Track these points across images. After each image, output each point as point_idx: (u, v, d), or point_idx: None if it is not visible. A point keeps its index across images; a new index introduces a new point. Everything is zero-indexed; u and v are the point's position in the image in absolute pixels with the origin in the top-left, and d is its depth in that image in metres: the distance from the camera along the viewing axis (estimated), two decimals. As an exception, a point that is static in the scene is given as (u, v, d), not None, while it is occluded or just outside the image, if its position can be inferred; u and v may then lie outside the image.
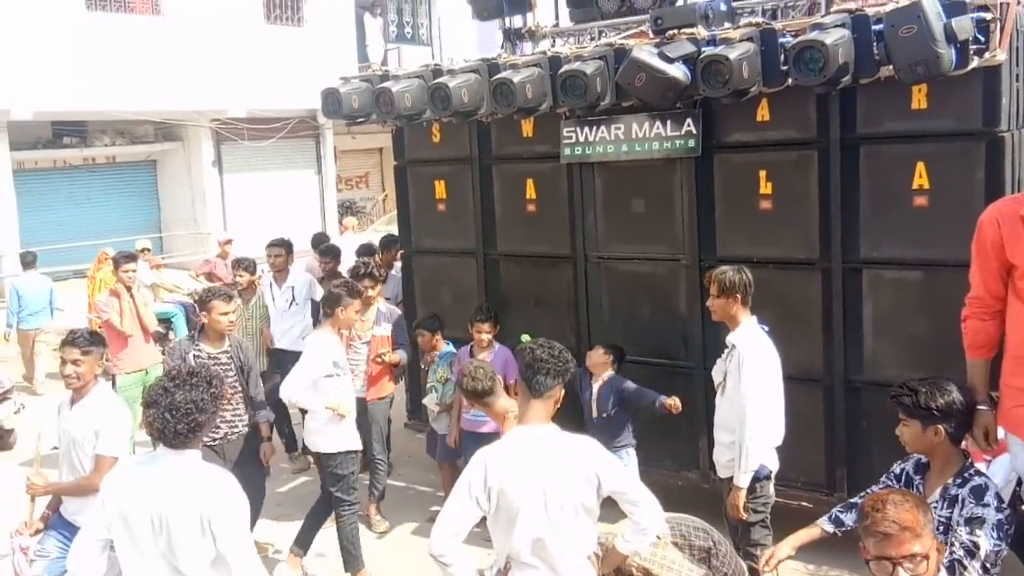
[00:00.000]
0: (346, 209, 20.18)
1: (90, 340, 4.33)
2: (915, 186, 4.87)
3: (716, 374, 4.67)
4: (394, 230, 8.27)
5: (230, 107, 16.69)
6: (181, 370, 3.22)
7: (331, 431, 5.32)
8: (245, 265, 7.76)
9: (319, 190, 19.18)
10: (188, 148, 17.34)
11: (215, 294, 5.45)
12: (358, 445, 5.48)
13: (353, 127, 7.97)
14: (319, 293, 7.42)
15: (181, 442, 3.07)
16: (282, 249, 7.72)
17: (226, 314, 5.35)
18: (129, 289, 7.51)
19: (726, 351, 4.56)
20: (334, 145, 19.25)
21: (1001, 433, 3.62)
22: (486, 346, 5.95)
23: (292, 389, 5.25)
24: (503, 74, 5.48)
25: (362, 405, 6.06)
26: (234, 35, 16.44)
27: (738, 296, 4.44)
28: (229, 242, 11.37)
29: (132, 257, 7.89)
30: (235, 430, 5.38)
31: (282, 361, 7.10)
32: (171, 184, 17.69)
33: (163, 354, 7.30)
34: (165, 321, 9.91)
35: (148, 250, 11.36)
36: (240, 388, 5.40)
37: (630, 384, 5.48)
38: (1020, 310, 3.48)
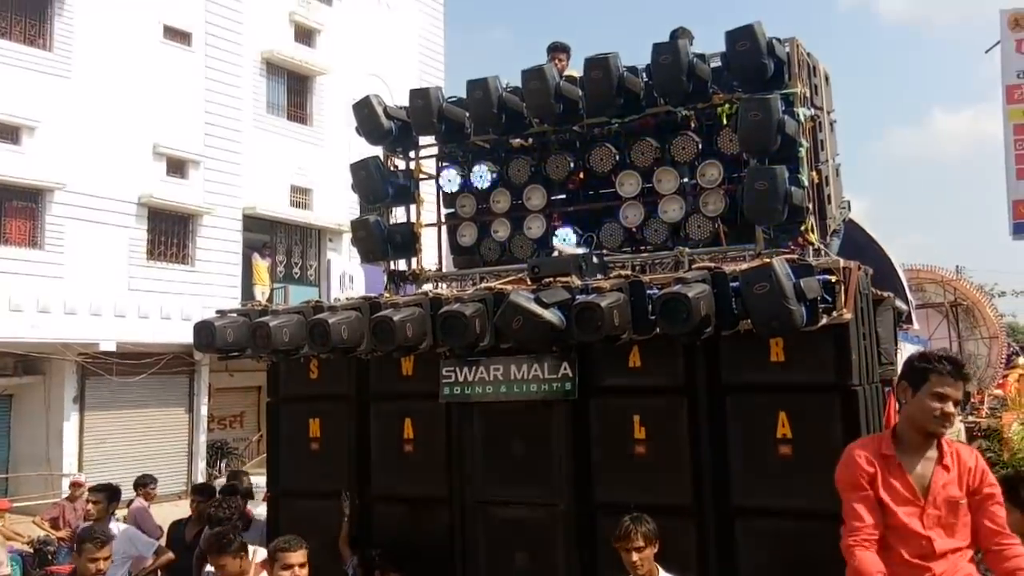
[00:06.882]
0: (217, 450, 19.28)
1: None
2: (779, 435, 5.04)
3: None
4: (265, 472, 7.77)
5: (101, 341, 16.19)
6: None
7: None
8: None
9: (189, 429, 18.38)
10: (49, 383, 16.50)
11: (89, 535, 4.94)
12: None
13: (231, 365, 7.80)
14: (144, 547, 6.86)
15: None
16: (102, 495, 7.07)
17: (95, 560, 4.82)
18: None
19: None
20: (209, 383, 18.73)
21: None
22: None
23: None
24: (384, 312, 5.56)
25: None
26: (114, 270, 16.31)
27: (655, 543, 4.51)
28: (81, 485, 10.49)
29: None
30: None
31: None
32: (26, 421, 16.64)
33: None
34: (-3, 574, 8.93)
35: (-10, 490, 10.43)
36: None
37: None
38: (893, 554, 3.52)
